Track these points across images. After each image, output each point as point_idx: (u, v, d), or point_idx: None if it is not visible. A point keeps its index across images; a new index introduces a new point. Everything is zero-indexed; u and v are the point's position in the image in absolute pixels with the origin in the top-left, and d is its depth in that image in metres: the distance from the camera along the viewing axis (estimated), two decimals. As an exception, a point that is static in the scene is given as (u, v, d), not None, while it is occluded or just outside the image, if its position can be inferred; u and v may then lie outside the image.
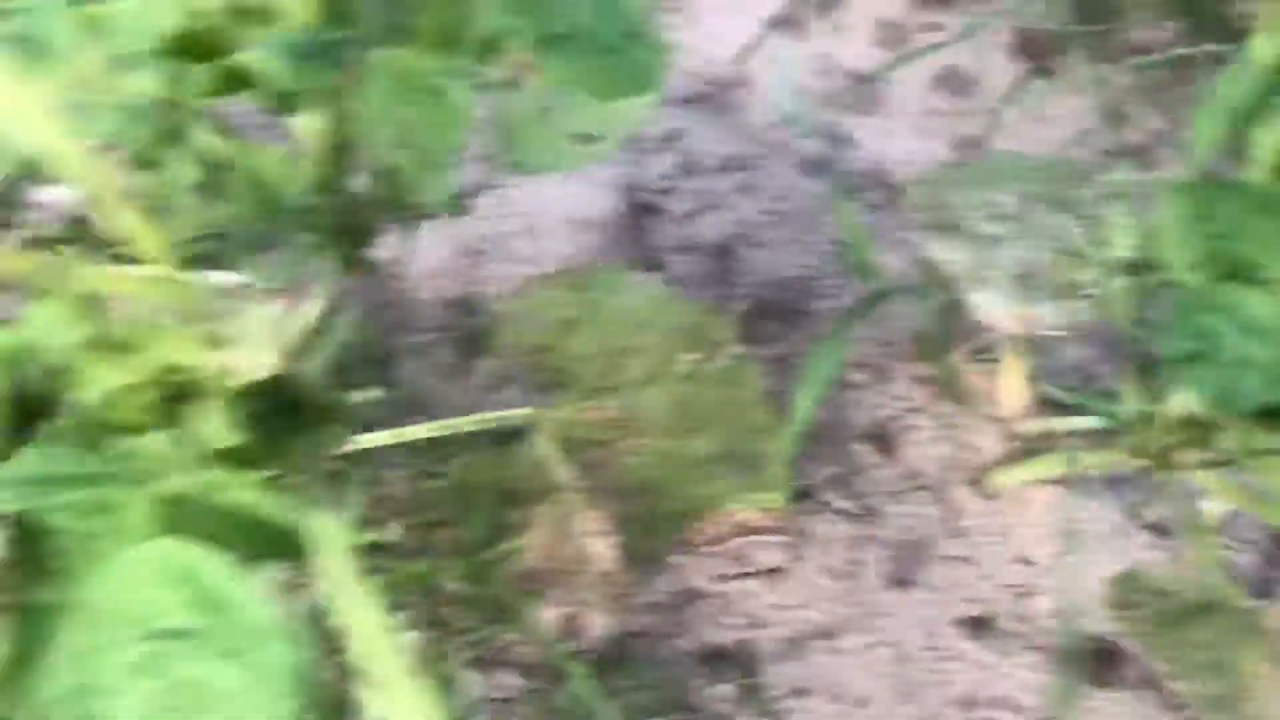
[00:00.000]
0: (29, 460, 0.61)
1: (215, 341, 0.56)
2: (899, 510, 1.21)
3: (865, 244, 1.12)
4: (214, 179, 0.89)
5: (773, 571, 1.16)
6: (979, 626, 1.16)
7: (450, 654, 1.06)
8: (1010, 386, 1.18)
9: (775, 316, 1.29)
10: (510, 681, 1.08)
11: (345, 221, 0.96)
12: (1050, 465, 1.18)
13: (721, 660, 1.13)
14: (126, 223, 0.67)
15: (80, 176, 0.71)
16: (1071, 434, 1.18)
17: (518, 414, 0.94)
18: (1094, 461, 1.14)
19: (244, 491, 0.61)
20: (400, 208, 0.91)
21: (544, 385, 0.93)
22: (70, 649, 0.62)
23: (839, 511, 1.19)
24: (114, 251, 1.17)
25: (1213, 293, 0.70)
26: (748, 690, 1.12)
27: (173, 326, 0.57)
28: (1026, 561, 1.19)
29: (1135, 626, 0.94)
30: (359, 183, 0.91)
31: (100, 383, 0.59)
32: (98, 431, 0.66)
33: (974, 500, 1.22)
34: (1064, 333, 1.00)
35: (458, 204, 0.75)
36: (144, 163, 0.85)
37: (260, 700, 0.60)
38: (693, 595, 1.15)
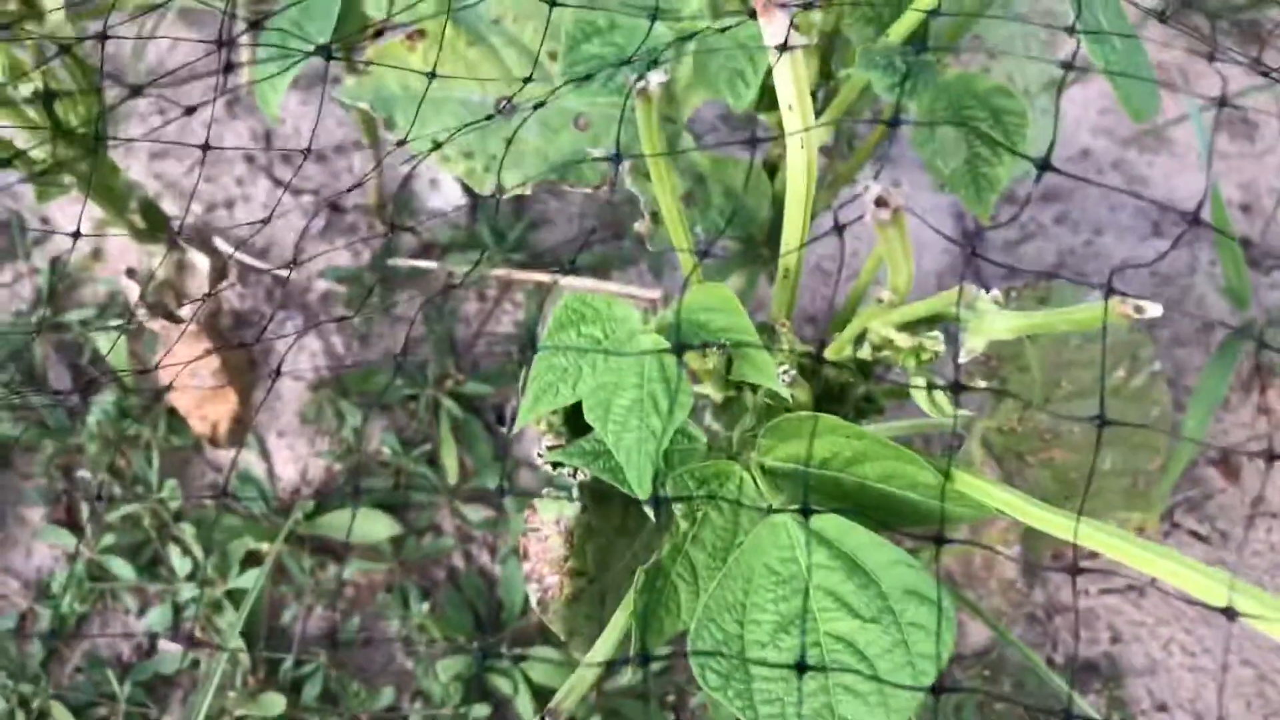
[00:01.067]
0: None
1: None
2: (1248, 536, 1.24)
3: (1243, 273, 1.16)
4: (698, 189, 0.96)
5: (1135, 589, 1.20)
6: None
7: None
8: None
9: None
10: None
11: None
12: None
13: (1086, 671, 1.17)
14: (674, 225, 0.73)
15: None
16: None
17: (963, 415, 0.99)
18: None
19: (890, 464, 0.67)
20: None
21: (993, 390, 0.98)
22: (713, 610, 0.67)
23: (1193, 534, 1.23)
24: (501, 253, 1.24)
25: None
26: (1113, 702, 1.15)
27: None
28: (1378, 591, 1.21)
29: None
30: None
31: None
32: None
33: (1320, 528, 1.24)
34: None
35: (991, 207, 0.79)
36: (642, 172, 0.91)
37: (903, 662, 0.65)
38: (1059, 607, 1.19)
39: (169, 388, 0.93)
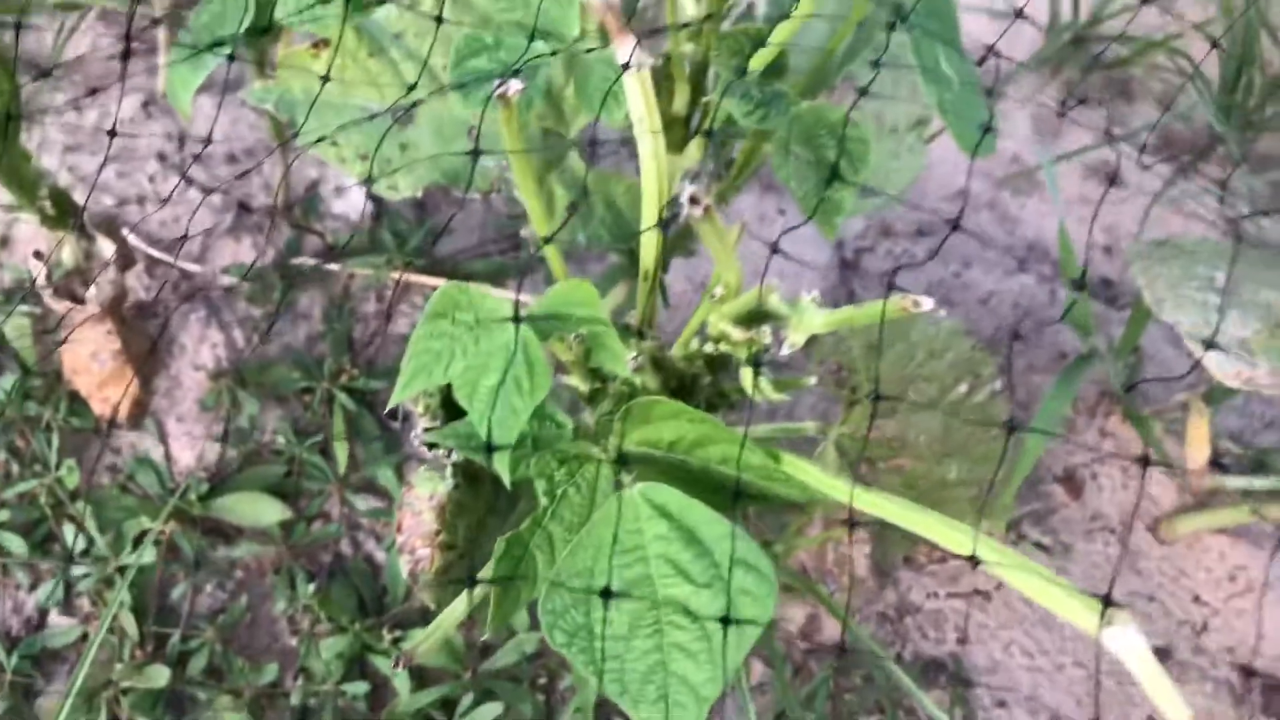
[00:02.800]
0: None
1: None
2: (1087, 548, 1.34)
3: (1087, 319, 1.26)
4: (582, 201, 1.03)
5: (980, 594, 1.29)
6: (1160, 656, 1.28)
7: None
8: (1194, 442, 1.31)
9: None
10: (756, 669, 1.19)
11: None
12: (1225, 516, 1.31)
13: (933, 668, 1.25)
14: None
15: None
16: (1247, 490, 1.31)
17: (809, 425, 1.07)
18: (1268, 514, 1.28)
19: (728, 448, 0.74)
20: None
21: (842, 401, 1.06)
22: (564, 576, 0.74)
23: (1037, 545, 1.32)
24: (401, 257, 1.30)
25: None
26: (956, 697, 1.24)
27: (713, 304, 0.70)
28: (1200, 601, 1.32)
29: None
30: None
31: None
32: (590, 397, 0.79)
33: (1152, 544, 1.35)
34: (1277, 391, 1.13)
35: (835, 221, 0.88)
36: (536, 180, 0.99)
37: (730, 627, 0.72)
38: (910, 608, 1.28)
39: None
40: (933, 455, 1.14)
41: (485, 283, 1.33)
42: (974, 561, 0.55)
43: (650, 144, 0.68)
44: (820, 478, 0.72)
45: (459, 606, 0.77)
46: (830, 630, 1.24)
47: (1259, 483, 1.29)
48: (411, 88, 0.84)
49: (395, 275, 1.29)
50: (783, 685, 1.14)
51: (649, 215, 0.74)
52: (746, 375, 0.70)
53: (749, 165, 1.03)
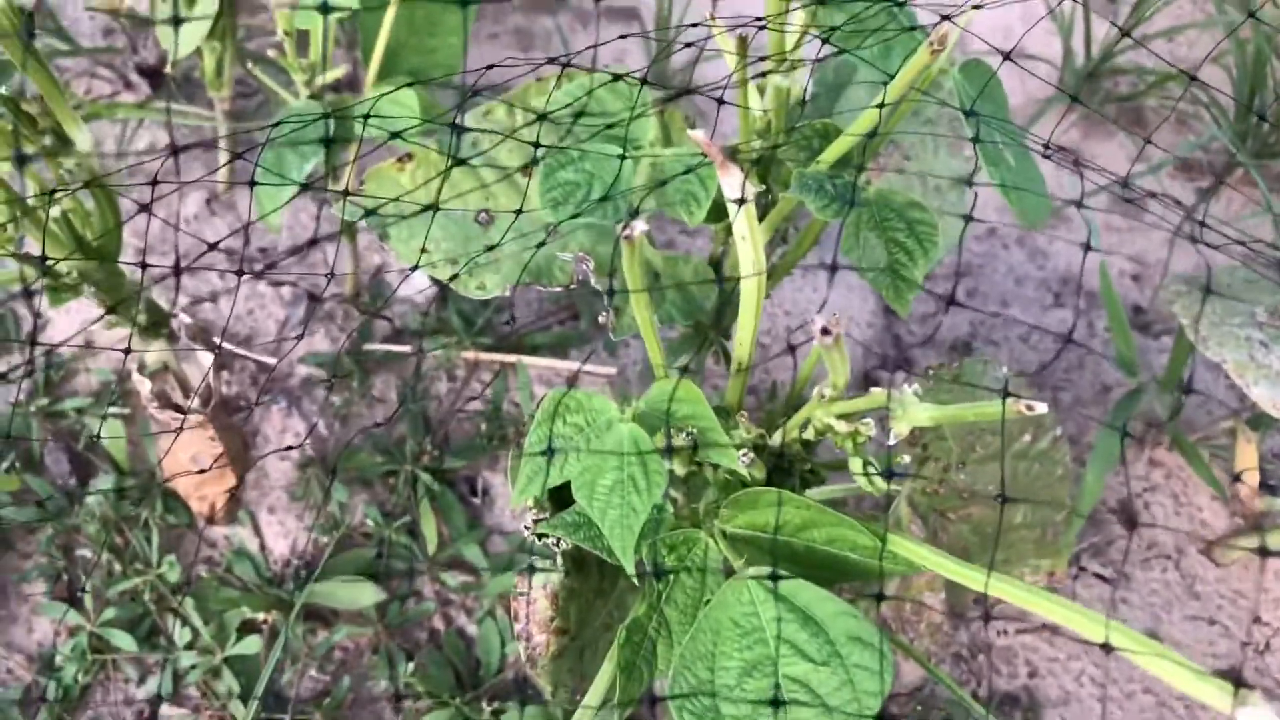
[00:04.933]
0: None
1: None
2: (1145, 576, 1.38)
3: (1131, 349, 1.31)
4: (653, 281, 1.08)
5: (1048, 628, 1.33)
6: (1226, 678, 1.33)
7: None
8: (1243, 468, 1.36)
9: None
10: None
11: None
12: (1277, 538, 1.35)
13: (1008, 703, 1.30)
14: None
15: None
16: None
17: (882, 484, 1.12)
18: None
19: (834, 529, 0.79)
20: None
21: (916, 458, 1.11)
22: (688, 660, 0.78)
23: (1098, 576, 1.37)
24: (468, 337, 1.35)
25: None
26: (1032, 731, 1.29)
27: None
28: (1260, 621, 1.36)
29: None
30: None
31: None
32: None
33: (1208, 567, 1.39)
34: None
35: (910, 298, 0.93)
36: (606, 269, 1.04)
37: (849, 698, 0.77)
38: (981, 646, 1.32)
39: (170, 478, 1.02)
40: (996, 503, 1.19)
41: (550, 355, 1.38)
42: (1107, 649, 0.59)
43: (750, 257, 0.73)
44: (927, 554, 0.77)
45: (591, 697, 0.82)
46: (910, 675, 1.29)
47: (1306, 505, 1.34)
48: (519, 212, 0.90)
49: (464, 354, 1.34)
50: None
51: (748, 319, 0.79)
52: (856, 466, 0.75)
53: (807, 244, 1.08)
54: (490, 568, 1.25)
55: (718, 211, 0.97)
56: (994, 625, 1.33)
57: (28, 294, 1.12)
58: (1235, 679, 0.56)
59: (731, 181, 0.66)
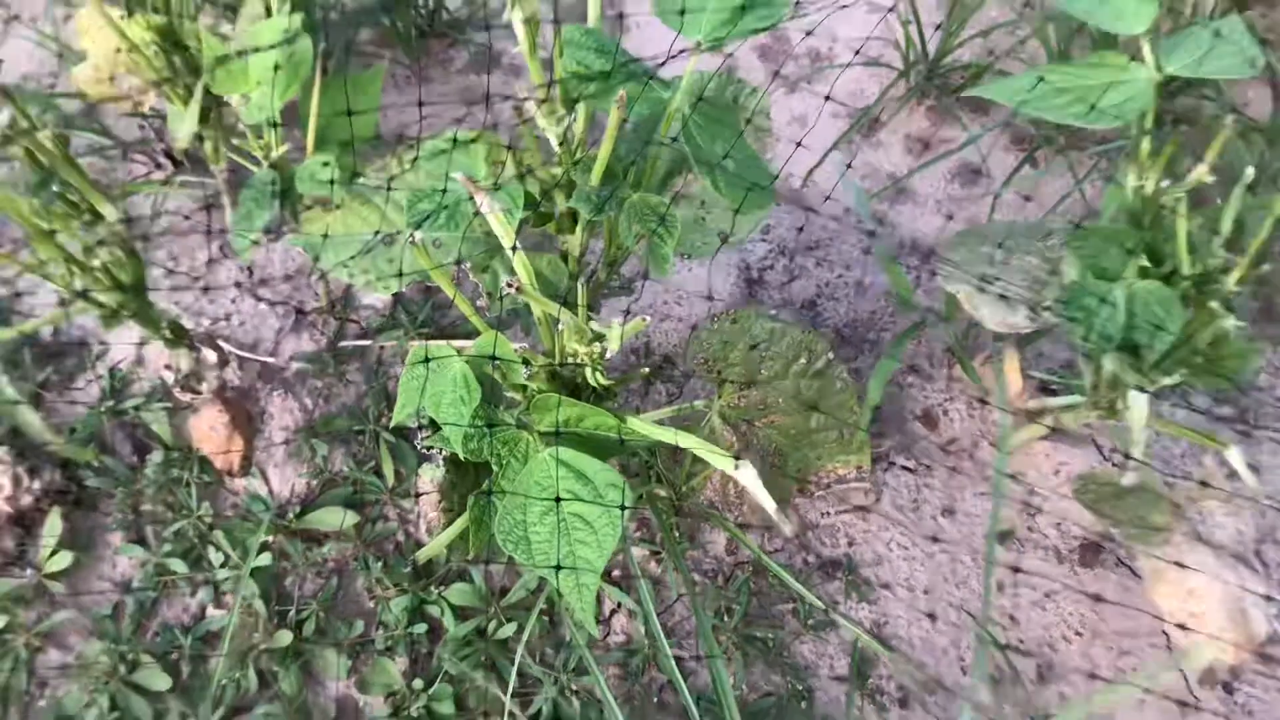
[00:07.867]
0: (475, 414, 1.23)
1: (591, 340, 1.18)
2: (944, 465, 1.79)
3: (907, 290, 1.71)
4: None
5: (862, 509, 1.75)
6: (1004, 537, 1.74)
7: (663, 560, 1.67)
8: (1011, 376, 1.76)
9: (851, 343, 1.91)
10: (697, 579, 1.67)
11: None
12: (1038, 430, 1.76)
13: (831, 566, 1.72)
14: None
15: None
16: (1066, 406, 1.76)
17: (700, 403, 1.55)
18: (1071, 419, 1.72)
19: (598, 418, 1.23)
20: (622, 291, 1.54)
21: (713, 384, 1.54)
22: (509, 509, 1.23)
23: (904, 468, 1.78)
24: (414, 329, 1.80)
25: (1088, 286, 1.30)
26: (850, 585, 1.70)
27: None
28: (1033, 492, 1.77)
29: (1093, 504, 1.51)
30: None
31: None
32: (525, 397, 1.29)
33: (995, 456, 1.80)
34: (1034, 330, 1.58)
35: (636, 285, 1.36)
36: (481, 269, 1.49)
37: (608, 524, 1.21)
38: (809, 525, 1.74)
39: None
40: (793, 410, 1.62)
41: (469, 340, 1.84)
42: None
43: (511, 249, 1.17)
44: (641, 425, 1.21)
45: (452, 530, 1.26)
46: (745, 550, 1.71)
47: (1062, 400, 1.74)
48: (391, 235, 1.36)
49: (413, 343, 1.80)
50: (715, 590, 1.62)
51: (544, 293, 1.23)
52: (587, 373, 1.19)
53: (621, 249, 1.52)
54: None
55: (542, 219, 1.42)
56: (819, 506, 1.75)
57: (81, 298, 1.60)
58: (736, 455, 0.99)
59: (483, 204, 1.11)
